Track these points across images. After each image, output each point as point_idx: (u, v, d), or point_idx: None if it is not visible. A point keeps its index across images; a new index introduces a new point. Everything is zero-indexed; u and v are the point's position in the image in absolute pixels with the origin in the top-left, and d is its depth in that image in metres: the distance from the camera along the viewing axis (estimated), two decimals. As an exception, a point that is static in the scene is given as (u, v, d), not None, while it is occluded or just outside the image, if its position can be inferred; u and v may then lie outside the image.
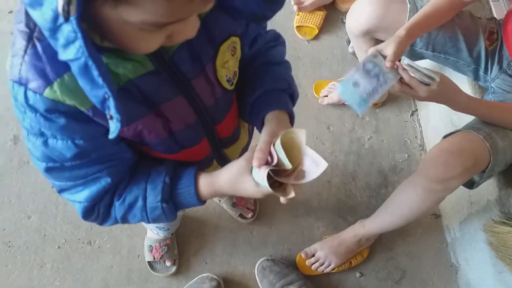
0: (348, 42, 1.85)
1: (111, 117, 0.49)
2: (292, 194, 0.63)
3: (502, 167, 1.13)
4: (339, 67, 1.82)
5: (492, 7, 1.55)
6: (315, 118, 1.72)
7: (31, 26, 0.52)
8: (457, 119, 1.48)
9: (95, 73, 0.45)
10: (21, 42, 0.53)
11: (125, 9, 0.42)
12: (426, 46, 1.28)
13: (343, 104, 1.72)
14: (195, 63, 0.63)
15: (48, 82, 0.53)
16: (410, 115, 1.75)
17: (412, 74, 0.99)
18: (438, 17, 1.18)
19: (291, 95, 0.79)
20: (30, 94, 0.54)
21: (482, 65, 1.30)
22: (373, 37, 1.37)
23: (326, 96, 1.73)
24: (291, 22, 1.90)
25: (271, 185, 0.61)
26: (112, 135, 0.51)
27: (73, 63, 0.45)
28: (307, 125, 1.70)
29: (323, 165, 0.62)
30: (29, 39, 0.52)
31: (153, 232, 1.36)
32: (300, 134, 0.64)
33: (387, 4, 1.27)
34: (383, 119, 1.74)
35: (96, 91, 0.47)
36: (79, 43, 0.42)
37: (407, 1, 1.27)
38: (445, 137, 1.15)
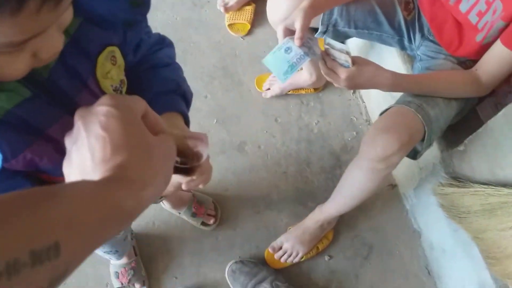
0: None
1: None
2: (194, 175, 0.64)
3: (439, 134, 1.16)
4: (276, 58, 1.83)
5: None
6: (261, 112, 1.73)
7: None
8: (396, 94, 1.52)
9: None
10: None
11: None
12: (348, 24, 1.29)
13: (287, 94, 1.74)
14: (74, 80, 0.61)
15: None
16: (353, 93, 1.79)
17: (332, 54, 1.02)
18: None
19: (183, 96, 0.78)
20: None
21: (405, 35, 1.34)
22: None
23: (269, 89, 1.74)
24: (222, 21, 1.89)
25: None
26: None
27: None
28: (255, 120, 1.71)
29: (203, 136, 0.63)
30: None
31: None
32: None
33: None
34: (327, 102, 1.76)
35: None
36: None
37: None
38: (381, 114, 1.17)
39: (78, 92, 0.62)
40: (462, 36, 1.21)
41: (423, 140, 1.12)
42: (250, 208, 1.55)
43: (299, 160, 1.64)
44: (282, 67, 1.01)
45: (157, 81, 0.76)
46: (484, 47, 1.14)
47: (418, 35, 1.32)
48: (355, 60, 1.03)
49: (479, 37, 1.13)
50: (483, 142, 1.16)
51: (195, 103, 1.68)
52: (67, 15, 0.47)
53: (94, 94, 0.64)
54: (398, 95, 1.25)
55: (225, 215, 1.52)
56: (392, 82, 1.07)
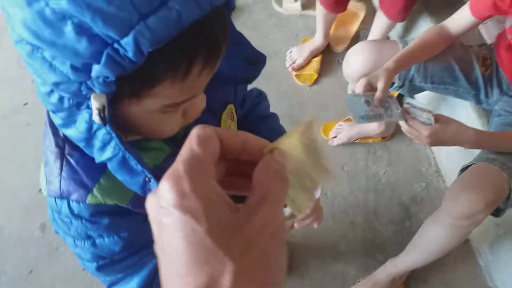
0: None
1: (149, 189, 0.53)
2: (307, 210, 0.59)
3: None
4: (343, 107, 1.87)
5: (482, 32, 1.60)
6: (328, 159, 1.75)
7: (60, 145, 0.58)
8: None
9: (133, 162, 0.49)
10: (55, 162, 0.58)
11: (148, 100, 0.48)
12: (425, 80, 1.31)
13: (353, 143, 1.76)
14: None
15: (88, 190, 0.58)
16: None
17: (413, 113, 1.05)
18: (425, 50, 1.24)
19: None
20: (73, 205, 0.59)
21: (482, 90, 1.34)
22: None
23: (335, 137, 1.77)
24: (289, 71, 1.96)
25: None
26: None
27: (112, 160, 0.50)
28: (321, 168, 1.72)
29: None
30: (62, 157, 0.58)
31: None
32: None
33: (379, 48, 1.33)
34: (395, 151, 1.76)
35: (137, 179, 0.52)
36: (114, 141, 0.48)
37: (398, 42, 1.32)
38: (462, 170, 1.16)
39: None
40: None
41: (507, 197, 1.10)
42: (318, 259, 1.54)
43: (367, 210, 1.63)
44: (359, 111, 1.04)
45: (264, 131, 0.83)
46: None
47: (496, 91, 1.32)
48: (438, 118, 1.04)
49: None
50: None
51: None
52: (209, 79, 0.54)
53: None
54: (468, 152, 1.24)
55: (293, 263, 1.53)
56: (475, 139, 1.07)
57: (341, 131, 1.75)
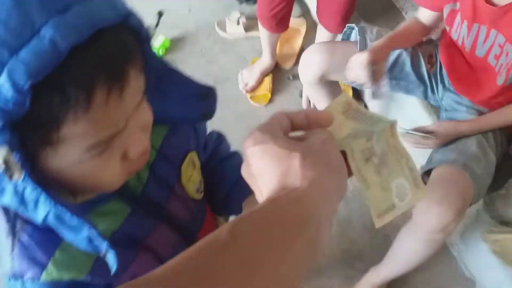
0: (301, 95, 1.94)
1: (105, 254, 0.50)
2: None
3: (485, 190, 1.18)
4: (300, 122, 1.89)
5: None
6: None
7: (11, 219, 0.53)
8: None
9: (67, 215, 0.45)
10: (6, 238, 0.54)
11: (64, 146, 0.43)
12: None
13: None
14: (164, 190, 0.65)
15: (43, 266, 0.54)
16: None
17: (411, 137, 1.18)
18: (407, 37, 1.34)
19: None
20: (28, 284, 0.55)
21: (428, 87, 1.40)
22: (327, 80, 1.45)
23: None
24: (244, 94, 1.97)
25: None
26: (113, 267, 0.50)
27: (49, 218, 0.45)
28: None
29: None
30: (13, 232, 0.53)
31: None
32: None
33: (331, 47, 1.37)
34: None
35: (80, 234, 0.47)
36: (43, 196, 0.43)
37: (357, 34, 1.37)
38: (425, 172, 1.20)
39: (167, 200, 0.66)
40: (480, 80, 1.26)
41: None
42: (299, 276, 1.55)
43: (340, 220, 1.66)
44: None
45: (230, 171, 0.81)
46: (505, 88, 1.18)
47: (440, 87, 1.38)
48: (433, 129, 1.16)
49: (499, 81, 1.18)
50: (525, 185, 1.18)
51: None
52: (145, 115, 0.51)
53: (181, 199, 0.69)
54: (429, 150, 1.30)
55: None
56: (471, 128, 1.21)
57: None
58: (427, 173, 1.19)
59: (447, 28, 1.27)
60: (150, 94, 0.52)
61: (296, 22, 2.08)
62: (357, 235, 1.63)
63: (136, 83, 0.46)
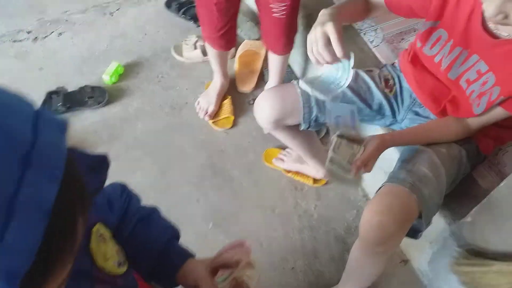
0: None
1: None
2: None
3: (436, 211, 1.15)
4: (262, 148, 1.82)
5: (377, 54, 1.64)
6: (257, 206, 1.69)
7: None
8: (388, 166, 1.51)
9: None
10: None
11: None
12: (329, 117, 1.29)
13: (280, 181, 1.72)
14: (84, 282, 0.59)
15: None
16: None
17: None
18: (356, 7, 1.24)
19: (178, 236, 0.83)
20: None
21: (388, 112, 1.35)
22: (284, 125, 1.37)
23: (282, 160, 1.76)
24: (203, 119, 1.89)
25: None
26: None
27: None
28: (252, 215, 1.66)
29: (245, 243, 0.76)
30: None
31: None
32: None
33: (279, 92, 1.30)
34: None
35: None
36: None
37: (295, 84, 1.30)
38: (377, 191, 1.15)
39: None
40: (458, 106, 1.20)
41: (420, 217, 1.09)
42: (265, 315, 1.46)
43: (306, 251, 1.58)
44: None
45: (152, 238, 0.75)
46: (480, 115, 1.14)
47: (402, 108, 1.34)
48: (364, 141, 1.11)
49: (477, 110, 1.12)
50: (491, 212, 1.14)
51: (187, 209, 1.65)
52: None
53: (106, 281, 0.62)
54: (391, 165, 1.24)
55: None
56: (390, 138, 1.14)
57: (289, 157, 1.74)
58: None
59: (419, 44, 1.21)
60: None
61: (255, 44, 2.02)
62: (323, 267, 1.55)
63: None
